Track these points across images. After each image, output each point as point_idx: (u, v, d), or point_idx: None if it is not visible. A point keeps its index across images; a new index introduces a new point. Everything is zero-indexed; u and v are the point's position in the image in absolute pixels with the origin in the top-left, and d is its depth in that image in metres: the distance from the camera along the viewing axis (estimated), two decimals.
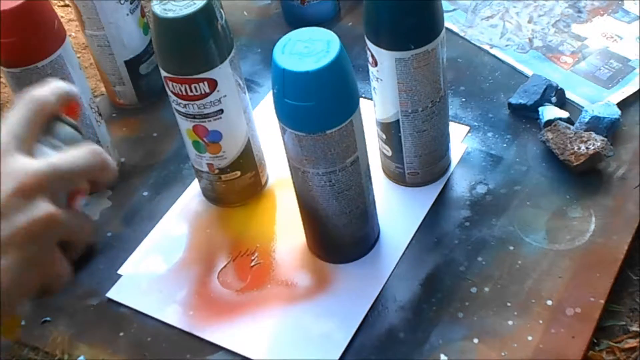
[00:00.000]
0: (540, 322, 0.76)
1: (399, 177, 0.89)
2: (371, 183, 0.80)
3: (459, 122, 0.95)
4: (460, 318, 0.78)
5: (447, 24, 1.03)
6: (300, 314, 0.80)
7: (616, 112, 0.90)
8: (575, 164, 0.86)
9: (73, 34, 1.22)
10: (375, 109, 0.85)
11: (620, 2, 1.07)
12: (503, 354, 0.75)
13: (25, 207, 0.48)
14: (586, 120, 0.89)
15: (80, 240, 0.52)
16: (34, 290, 0.49)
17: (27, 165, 0.48)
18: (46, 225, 0.48)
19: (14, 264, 0.47)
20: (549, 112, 0.92)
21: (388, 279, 0.82)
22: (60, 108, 0.53)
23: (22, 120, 0.50)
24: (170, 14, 0.76)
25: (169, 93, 0.82)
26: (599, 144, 0.86)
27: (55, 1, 1.28)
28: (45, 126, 0.52)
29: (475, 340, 0.76)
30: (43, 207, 0.48)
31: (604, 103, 0.92)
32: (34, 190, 0.48)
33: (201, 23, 0.77)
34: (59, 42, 0.86)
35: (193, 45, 0.78)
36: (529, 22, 1.05)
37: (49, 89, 0.52)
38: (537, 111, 0.93)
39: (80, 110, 0.54)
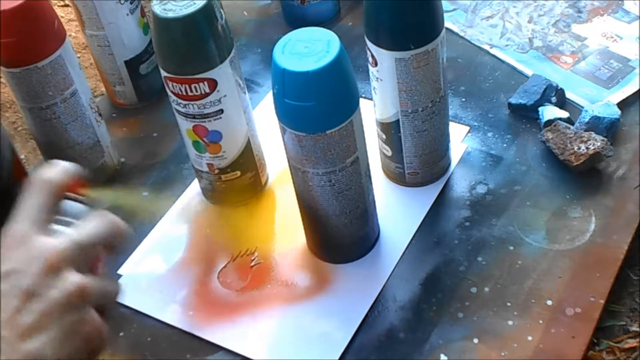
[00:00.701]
0: (540, 322, 0.76)
1: (399, 177, 0.89)
2: (371, 183, 0.80)
3: (459, 122, 0.95)
4: (460, 318, 0.78)
5: (447, 24, 1.03)
6: (300, 314, 0.80)
7: (616, 112, 0.90)
8: (575, 164, 0.86)
9: (73, 34, 1.22)
10: (375, 109, 0.85)
11: (620, 2, 1.07)
12: (503, 354, 0.75)
13: (56, 283, 0.51)
14: (586, 120, 0.89)
15: (111, 301, 0.56)
16: (83, 355, 0.52)
17: (50, 244, 0.52)
18: (79, 295, 0.52)
19: (57, 337, 0.51)
20: (549, 112, 0.92)
21: (388, 279, 0.82)
22: (69, 187, 0.57)
23: (37, 205, 0.54)
24: (170, 14, 0.76)
25: (169, 93, 0.82)
26: (599, 144, 0.86)
27: (55, 1, 1.28)
28: (57, 206, 0.56)
29: (475, 340, 0.76)
30: (73, 279, 0.52)
31: (604, 103, 0.92)
32: (61, 266, 0.52)
33: (201, 23, 0.77)
34: (59, 42, 0.86)
35: (193, 45, 0.78)
36: (529, 22, 1.05)
37: (57, 170, 0.56)
38: (537, 111, 0.93)
39: (85, 186, 0.59)
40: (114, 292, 0.56)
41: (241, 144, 0.86)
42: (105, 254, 0.56)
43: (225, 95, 0.81)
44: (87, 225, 0.55)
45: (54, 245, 0.52)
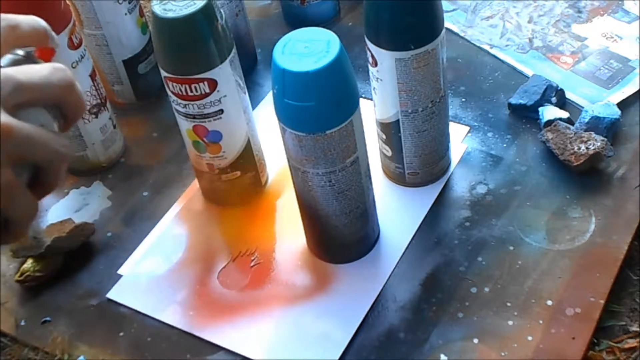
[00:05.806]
0: (540, 322, 0.76)
1: (399, 177, 0.89)
2: (371, 183, 0.80)
3: (459, 122, 0.95)
4: (460, 318, 0.78)
5: (447, 24, 1.03)
6: (300, 314, 0.80)
7: (616, 112, 0.90)
8: (575, 164, 0.86)
9: None
10: (375, 109, 0.85)
11: (620, 2, 1.07)
12: (503, 354, 0.75)
13: None
14: (586, 120, 0.89)
15: (51, 160, 0.43)
16: None
17: None
18: None
19: None
20: (549, 112, 0.92)
21: (388, 279, 0.82)
22: (32, 42, 0.47)
23: None
24: (170, 14, 0.76)
25: (169, 93, 0.82)
26: (599, 144, 0.86)
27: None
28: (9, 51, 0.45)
29: (475, 340, 0.76)
30: None
31: (604, 103, 0.92)
32: None
33: (201, 23, 0.77)
34: (65, 23, 0.85)
35: (193, 45, 0.78)
36: (529, 22, 1.05)
37: (26, 17, 0.46)
38: (537, 111, 0.93)
39: (53, 56, 0.48)
40: (57, 145, 0.44)
41: (241, 144, 0.86)
42: (57, 112, 0.44)
43: (225, 95, 0.81)
44: (35, 67, 0.44)
45: None
